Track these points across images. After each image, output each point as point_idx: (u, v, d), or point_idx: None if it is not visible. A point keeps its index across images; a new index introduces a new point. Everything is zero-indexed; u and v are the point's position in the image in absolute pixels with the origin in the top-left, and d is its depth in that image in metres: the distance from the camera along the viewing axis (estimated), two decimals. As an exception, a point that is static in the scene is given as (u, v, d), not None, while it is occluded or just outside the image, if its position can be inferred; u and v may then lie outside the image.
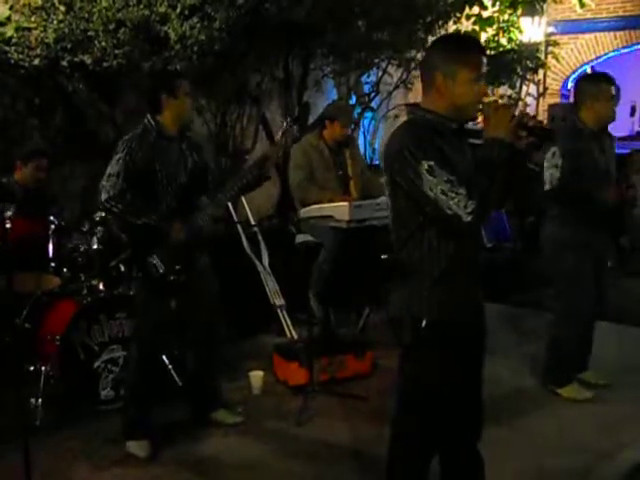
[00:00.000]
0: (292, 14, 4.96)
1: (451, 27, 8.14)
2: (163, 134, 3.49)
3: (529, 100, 9.68)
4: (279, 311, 5.15)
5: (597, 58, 11.89)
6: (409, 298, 2.32)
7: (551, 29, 10.17)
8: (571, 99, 12.51)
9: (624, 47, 11.71)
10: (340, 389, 4.22)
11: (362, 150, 7.14)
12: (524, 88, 9.41)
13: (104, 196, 3.38)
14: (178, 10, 4.84)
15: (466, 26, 8.30)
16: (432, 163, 2.16)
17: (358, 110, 6.93)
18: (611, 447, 3.56)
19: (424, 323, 2.27)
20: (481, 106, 2.31)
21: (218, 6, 4.85)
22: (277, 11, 4.94)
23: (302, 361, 4.23)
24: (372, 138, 7.97)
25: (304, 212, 4.79)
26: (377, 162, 7.80)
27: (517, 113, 2.29)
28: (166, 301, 3.50)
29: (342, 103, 5.78)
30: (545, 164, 4.06)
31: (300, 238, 4.93)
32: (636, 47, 11.79)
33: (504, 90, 9.40)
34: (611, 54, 11.80)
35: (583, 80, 4.35)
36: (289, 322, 5.11)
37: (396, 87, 7.30)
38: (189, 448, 3.58)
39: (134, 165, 3.39)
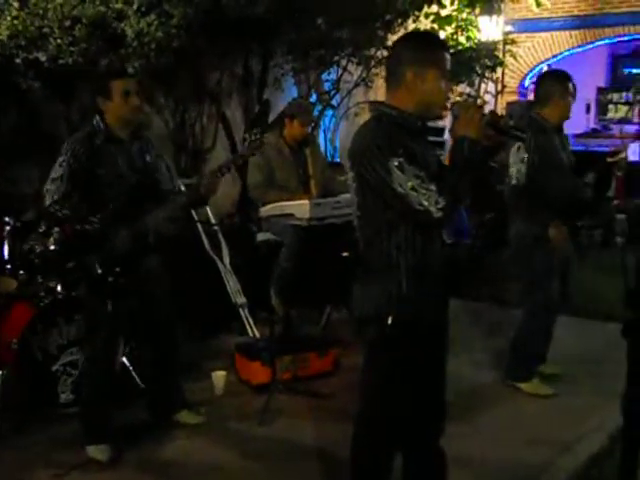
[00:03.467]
0: (250, 11, 4.92)
1: (410, 25, 8.18)
2: (111, 136, 3.42)
3: (488, 98, 9.79)
4: (241, 310, 5.11)
5: (553, 57, 12.08)
6: (375, 296, 2.32)
7: (509, 28, 10.28)
8: (529, 97, 12.70)
9: (579, 46, 11.92)
10: (303, 387, 4.21)
11: (323, 148, 7.14)
12: (483, 86, 9.51)
13: (48, 200, 3.33)
14: (135, 7, 4.78)
15: (425, 24, 8.34)
16: (401, 160, 2.18)
17: (319, 108, 6.93)
18: (571, 439, 3.61)
19: (390, 321, 2.28)
20: (450, 105, 2.36)
21: (176, 3, 4.80)
22: (235, 8, 4.90)
23: (264, 360, 4.22)
24: (332, 136, 7.97)
25: (265, 210, 4.76)
26: (338, 160, 7.81)
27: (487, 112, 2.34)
28: (107, 303, 3.43)
29: (302, 101, 5.75)
30: (510, 159, 4.09)
31: (261, 236, 4.90)
32: (591, 46, 12.02)
33: (463, 88, 9.48)
34: (567, 53, 12.01)
35: (549, 77, 4.39)
36: (251, 321, 5.08)
37: (356, 85, 7.31)
38: (152, 451, 3.54)
39: (79, 168, 3.32)
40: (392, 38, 7.53)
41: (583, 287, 5.07)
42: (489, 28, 9.16)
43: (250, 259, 5.23)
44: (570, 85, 4.12)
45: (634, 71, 13.68)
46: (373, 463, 2.51)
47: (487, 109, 10.47)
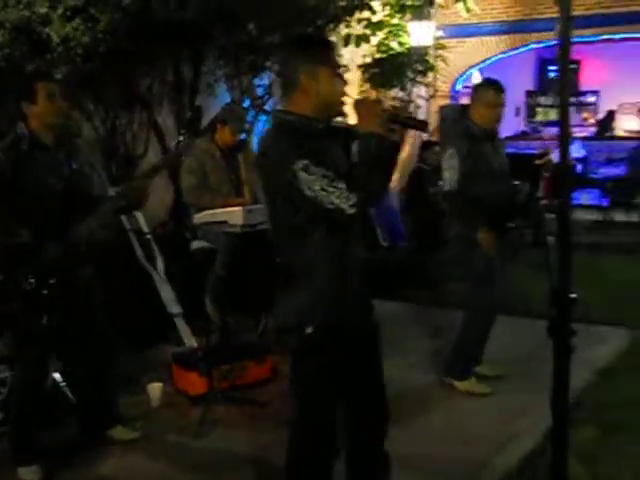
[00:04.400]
0: (179, 15, 4.85)
1: (343, 30, 8.22)
2: (36, 142, 3.30)
3: (420, 102, 9.91)
4: (176, 320, 5.02)
5: (483, 61, 12.33)
6: (294, 305, 2.33)
7: (439, 33, 10.44)
8: (461, 100, 12.92)
9: (508, 50, 12.20)
10: (241, 396, 4.16)
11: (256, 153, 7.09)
12: (415, 90, 9.61)
13: None
14: (60, 11, 4.66)
15: (357, 30, 8.40)
16: (306, 162, 2.18)
17: (252, 113, 6.87)
18: (506, 437, 3.66)
19: (310, 329, 2.29)
20: (353, 103, 2.35)
21: (102, 7, 4.70)
22: (164, 12, 4.82)
23: (201, 370, 4.15)
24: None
25: (198, 218, 4.69)
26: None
27: (389, 107, 2.37)
28: (42, 316, 3.32)
29: (235, 107, 5.69)
30: (443, 165, 4.20)
31: (195, 244, 4.83)
32: (519, 51, 12.31)
33: (395, 92, 9.57)
34: (496, 57, 12.27)
35: (477, 85, 4.57)
36: (187, 330, 5.00)
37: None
38: (86, 469, 3.43)
39: (2, 178, 3.20)
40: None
41: (515, 286, 5.17)
42: (420, 33, 9.28)
43: (185, 267, 5.15)
44: (496, 95, 4.23)
45: (560, 75, 14.05)
46: (308, 471, 2.48)
47: (420, 113, 10.64)
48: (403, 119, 2.33)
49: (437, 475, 3.34)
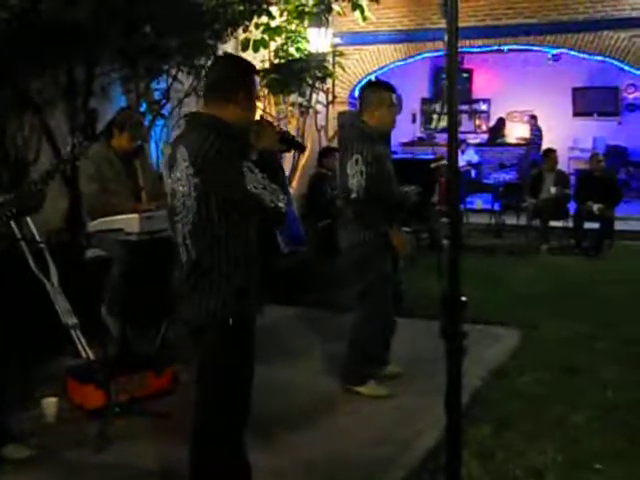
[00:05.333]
0: (70, 15, 4.69)
1: (241, 35, 8.19)
2: None
3: (319, 108, 10.00)
4: (72, 331, 4.84)
5: (380, 68, 12.58)
6: (214, 299, 2.50)
7: (337, 40, 10.57)
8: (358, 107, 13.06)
9: (404, 59, 12.49)
10: (141, 408, 4.06)
11: (154, 159, 6.96)
12: (314, 96, 9.70)
13: None
14: (-60, 10, 4.42)
15: (255, 35, 8.40)
16: (249, 163, 2.48)
17: (149, 118, 6.74)
18: (409, 436, 3.75)
19: (231, 321, 2.50)
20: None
21: (-13, 7, 4.49)
22: (53, 12, 4.65)
23: (99, 382, 4.02)
24: (164, 147, 7.79)
25: (93, 225, 4.55)
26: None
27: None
28: None
29: (131, 112, 5.55)
30: (349, 171, 4.12)
31: (91, 253, 4.68)
32: (414, 59, 12.63)
33: (295, 98, 9.62)
34: (393, 65, 12.54)
35: (365, 88, 4.55)
36: (83, 342, 4.83)
37: (187, 94, 7.20)
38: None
39: None
40: (223, 47, 7.52)
41: (413, 288, 5.30)
42: (318, 40, 9.37)
43: (80, 277, 4.97)
44: (387, 94, 4.24)
45: (454, 83, 14.55)
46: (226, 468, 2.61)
47: (319, 119, 10.71)
48: (287, 139, 2.90)
49: (346, 475, 3.37)
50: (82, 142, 3.37)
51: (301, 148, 2.89)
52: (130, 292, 4.38)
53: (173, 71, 6.74)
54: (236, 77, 2.64)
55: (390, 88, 4.29)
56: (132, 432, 3.83)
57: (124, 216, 4.32)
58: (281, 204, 2.47)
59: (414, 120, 15.57)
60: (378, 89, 4.32)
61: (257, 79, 2.72)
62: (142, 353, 4.74)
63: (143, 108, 6.71)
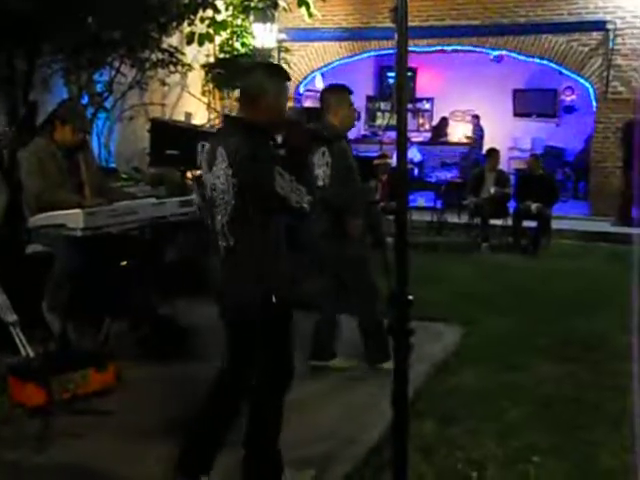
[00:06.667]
0: (9, 5, 4.58)
1: (186, 28, 8.12)
2: None
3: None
4: (12, 328, 4.73)
5: (326, 65, 12.65)
6: (255, 281, 2.86)
7: (283, 36, 10.58)
8: (305, 103, 13.15)
9: (348, 56, 12.58)
10: (83, 406, 4.00)
11: (96, 152, 6.85)
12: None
13: None
14: None
15: (201, 28, 8.34)
16: (279, 167, 2.75)
17: (91, 110, 6.63)
18: (354, 431, 3.78)
19: (274, 299, 2.84)
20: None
21: None
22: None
23: (39, 380, 3.94)
24: (107, 140, 7.67)
25: (34, 221, 4.45)
26: (113, 165, 7.54)
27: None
28: None
29: (75, 105, 5.44)
30: (315, 162, 4.31)
31: (31, 249, 4.58)
32: (359, 57, 12.74)
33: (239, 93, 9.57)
34: (338, 62, 12.62)
35: (326, 91, 4.75)
36: (23, 339, 4.71)
37: (130, 87, 7.11)
38: None
39: None
40: (167, 41, 7.44)
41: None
42: (264, 36, 9.36)
43: (20, 273, 4.86)
44: (348, 96, 4.53)
45: (398, 81, 14.73)
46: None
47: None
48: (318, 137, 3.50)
49: (290, 472, 3.38)
50: (15, 132, 3.27)
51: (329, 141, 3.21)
52: (72, 288, 4.31)
53: (116, 63, 6.65)
54: (267, 83, 2.90)
55: (348, 90, 4.53)
56: (74, 431, 3.76)
57: (67, 211, 4.24)
58: (305, 204, 2.79)
59: (359, 118, 15.64)
60: (338, 91, 4.57)
61: (288, 85, 3.01)
62: (84, 350, 4.68)
63: (85, 100, 6.59)
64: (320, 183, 4.30)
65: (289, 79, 3.05)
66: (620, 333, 4.98)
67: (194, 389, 4.14)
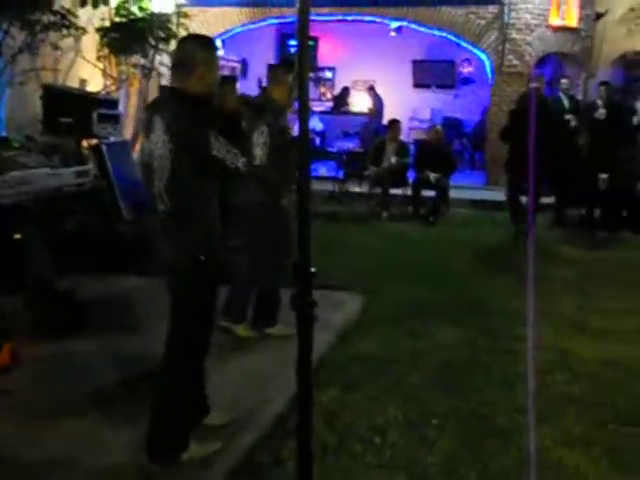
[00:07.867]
0: None
1: (79, -9, 7.77)
2: None
3: (163, 70, 9.71)
4: None
5: (226, 32, 12.41)
6: (183, 242, 3.00)
7: (181, 1, 10.29)
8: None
9: (248, 23, 12.40)
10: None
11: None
12: (158, 58, 9.41)
13: None
14: None
15: (95, -9, 7.99)
16: (214, 132, 2.95)
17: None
18: (258, 402, 3.79)
19: (202, 257, 2.97)
20: None
21: None
22: None
23: None
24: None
25: None
26: (3, 133, 7.17)
27: None
28: None
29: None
30: (256, 141, 4.44)
31: None
32: (260, 24, 12.57)
33: (137, 59, 9.30)
34: (238, 29, 12.41)
35: (271, 69, 5.03)
36: None
37: (20, 51, 6.76)
38: None
39: None
40: (60, 2, 7.10)
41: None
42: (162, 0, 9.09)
43: None
44: (289, 74, 4.57)
45: (299, 50, 14.68)
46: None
47: (163, 81, 10.43)
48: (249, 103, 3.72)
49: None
50: None
51: (262, 109, 3.28)
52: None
53: (5, 25, 6.30)
54: (197, 53, 3.04)
55: (290, 69, 4.59)
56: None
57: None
58: (239, 165, 3.04)
59: (260, 85, 15.52)
60: (279, 67, 4.83)
61: (217, 53, 3.16)
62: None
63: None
64: (256, 162, 4.42)
65: (216, 48, 3.19)
66: (515, 298, 5.17)
67: (93, 365, 4.05)
